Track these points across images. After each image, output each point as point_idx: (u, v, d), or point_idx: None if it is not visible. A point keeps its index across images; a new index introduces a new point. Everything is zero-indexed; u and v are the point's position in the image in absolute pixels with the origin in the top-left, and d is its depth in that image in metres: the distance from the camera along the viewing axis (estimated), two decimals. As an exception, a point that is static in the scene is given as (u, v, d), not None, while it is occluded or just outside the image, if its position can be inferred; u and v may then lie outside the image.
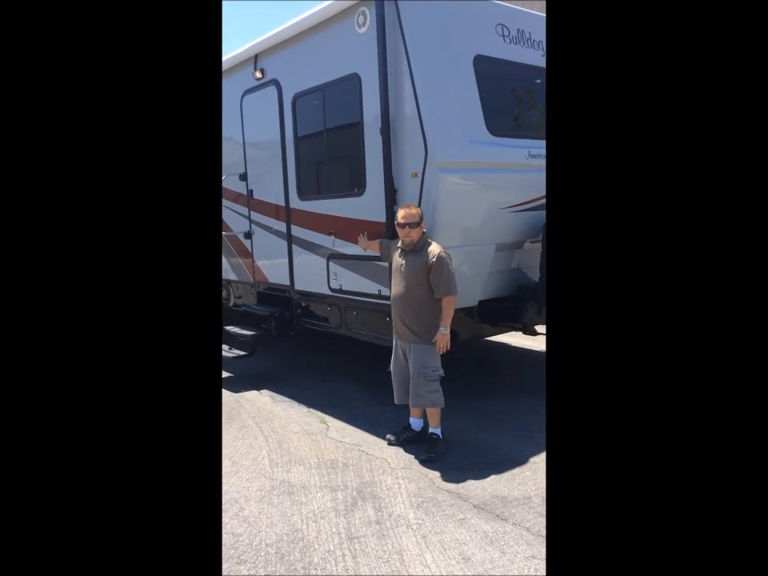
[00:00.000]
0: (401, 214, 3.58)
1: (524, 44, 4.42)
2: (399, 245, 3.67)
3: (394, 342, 3.82)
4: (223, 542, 2.76)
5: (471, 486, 3.24)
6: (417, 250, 3.58)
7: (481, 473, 3.39)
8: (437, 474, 3.41)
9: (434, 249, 3.53)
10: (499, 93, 4.29)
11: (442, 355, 3.61)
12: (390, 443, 3.87)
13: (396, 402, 3.89)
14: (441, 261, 3.49)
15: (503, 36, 4.29)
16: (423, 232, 3.62)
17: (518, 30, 4.37)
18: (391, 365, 3.86)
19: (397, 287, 3.67)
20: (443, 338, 3.52)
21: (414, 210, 3.57)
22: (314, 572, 2.52)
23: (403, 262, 3.61)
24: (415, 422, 3.89)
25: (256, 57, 5.09)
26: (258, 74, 5.06)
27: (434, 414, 3.71)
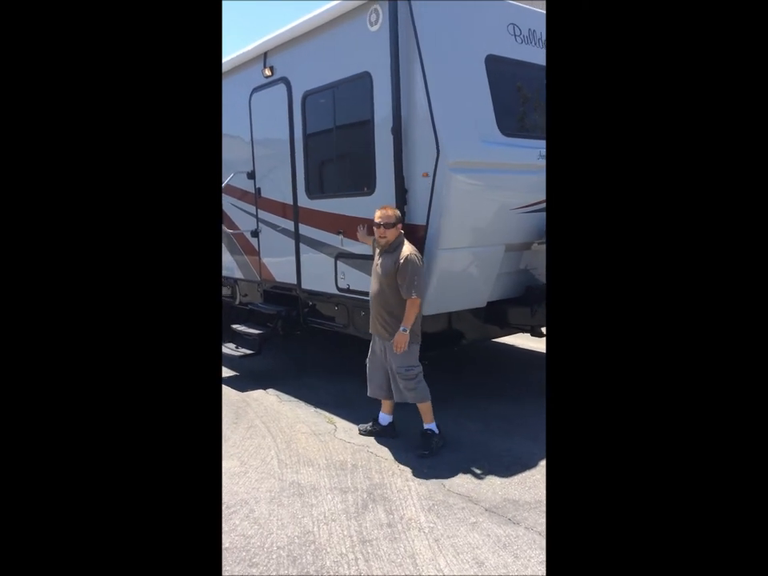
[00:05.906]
0: (377, 213, 3.63)
1: (535, 44, 4.38)
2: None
3: (372, 338, 3.89)
4: (234, 544, 2.75)
5: (482, 489, 3.22)
6: (390, 251, 3.64)
7: (491, 476, 3.38)
8: (447, 476, 3.39)
9: (405, 250, 3.57)
10: (510, 93, 4.26)
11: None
12: (360, 433, 4.02)
13: (369, 394, 4.00)
14: (408, 262, 3.51)
15: (515, 36, 4.25)
16: (400, 233, 3.67)
17: (530, 29, 4.33)
18: (368, 359, 3.94)
19: (373, 286, 3.75)
20: (401, 337, 3.56)
21: (391, 212, 3.62)
22: None
23: (379, 261, 3.68)
24: (383, 417, 4.01)
25: (265, 54, 5.05)
26: (268, 72, 5.03)
27: (424, 410, 3.75)
